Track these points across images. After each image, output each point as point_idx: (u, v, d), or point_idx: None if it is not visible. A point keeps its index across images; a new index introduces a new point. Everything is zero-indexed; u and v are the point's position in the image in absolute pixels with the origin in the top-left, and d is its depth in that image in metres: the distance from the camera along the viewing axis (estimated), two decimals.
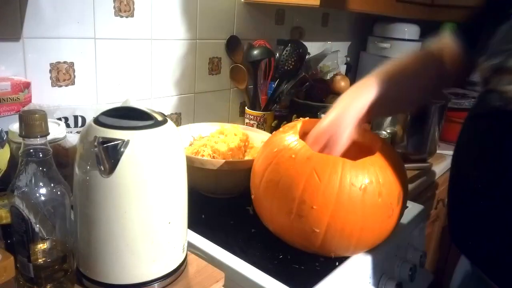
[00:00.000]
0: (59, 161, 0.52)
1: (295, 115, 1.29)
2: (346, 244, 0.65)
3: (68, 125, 0.81)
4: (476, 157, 0.64)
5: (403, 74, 0.73)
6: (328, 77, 1.52)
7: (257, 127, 1.20)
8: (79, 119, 0.83)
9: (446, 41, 0.74)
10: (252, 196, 0.73)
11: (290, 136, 0.70)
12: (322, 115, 1.27)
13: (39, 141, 0.48)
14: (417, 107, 0.85)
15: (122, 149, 0.48)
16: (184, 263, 0.60)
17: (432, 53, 0.76)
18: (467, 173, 0.65)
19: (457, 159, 0.70)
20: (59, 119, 0.79)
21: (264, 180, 0.68)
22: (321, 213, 0.62)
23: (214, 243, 0.70)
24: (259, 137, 0.98)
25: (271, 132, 0.98)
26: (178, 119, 1.18)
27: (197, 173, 0.80)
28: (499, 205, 0.59)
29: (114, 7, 0.94)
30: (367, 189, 0.62)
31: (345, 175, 0.62)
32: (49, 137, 0.49)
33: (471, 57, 0.68)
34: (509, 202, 0.57)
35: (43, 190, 0.48)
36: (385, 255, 0.76)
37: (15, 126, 0.63)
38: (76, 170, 0.51)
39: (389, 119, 1.22)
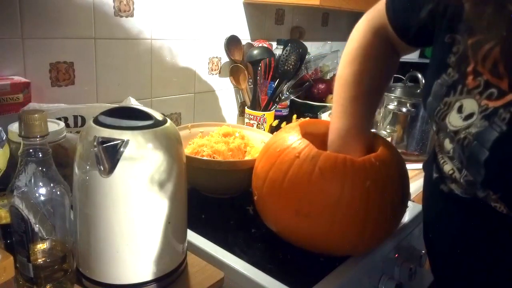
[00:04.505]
0: (58, 161, 0.52)
1: (295, 115, 1.30)
2: (350, 243, 0.65)
3: (68, 125, 0.81)
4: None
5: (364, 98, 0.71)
6: (328, 77, 1.52)
7: (257, 127, 1.20)
8: (79, 119, 0.83)
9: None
10: (255, 197, 0.72)
11: (293, 135, 0.69)
12: (322, 115, 1.28)
13: (38, 141, 0.47)
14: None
15: (121, 149, 0.48)
16: (184, 263, 0.60)
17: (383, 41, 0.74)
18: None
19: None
20: (59, 119, 0.79)
21: (268, 180, 0.68)
22: (327, 212, 0.62)
23: (214, 243, 0.70)
24: (259, 137, 0.98)
25: (271, 132, 0.98)
26: (178, 119, 1.18)
27: (197, 173, 0.80)
28: None
29: (114, 7, 0.94)
30: (371, 187, 0.61)
31: (349, 173, 0.62)
32: (48, 137, 0.49)
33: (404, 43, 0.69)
34: None
35: (42, 190, 0.48)
36: (385, 255, 0.76)
37: (14, 126, 0.63)
38: (76, 170, 0.51)
39: (389, 118, 1.22)
